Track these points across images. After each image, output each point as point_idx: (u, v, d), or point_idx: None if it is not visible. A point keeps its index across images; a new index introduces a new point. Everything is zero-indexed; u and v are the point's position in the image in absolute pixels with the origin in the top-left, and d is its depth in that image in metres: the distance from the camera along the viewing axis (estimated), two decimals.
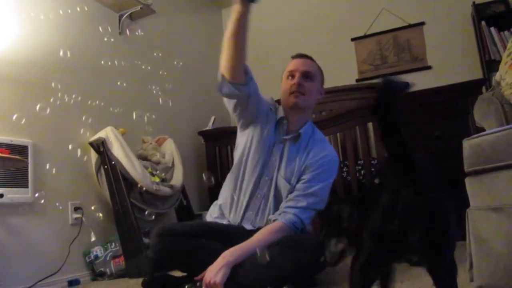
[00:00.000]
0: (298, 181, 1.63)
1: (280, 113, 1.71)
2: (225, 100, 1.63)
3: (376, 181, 0.89)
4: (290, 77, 1.67)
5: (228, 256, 1.44)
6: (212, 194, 3.41)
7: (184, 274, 1.66)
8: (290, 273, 1.41)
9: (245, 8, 1.37)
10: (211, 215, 1.78)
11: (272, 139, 1.67)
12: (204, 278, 1.43)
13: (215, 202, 1.81)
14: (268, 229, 1.54)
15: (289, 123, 1.70)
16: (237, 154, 1.74)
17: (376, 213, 0.89)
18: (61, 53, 2.14)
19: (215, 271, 1.41)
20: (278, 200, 1.65)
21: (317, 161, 1.63)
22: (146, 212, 2.35)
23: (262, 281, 1.40)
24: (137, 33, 2.90)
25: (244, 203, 1.67)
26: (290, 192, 1.63)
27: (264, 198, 1.66)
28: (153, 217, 2.37)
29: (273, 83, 2.05)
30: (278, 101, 1.79)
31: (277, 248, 1.44)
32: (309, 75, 1.66)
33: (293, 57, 1.73)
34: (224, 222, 1.71)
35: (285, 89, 1.68)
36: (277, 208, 1.64)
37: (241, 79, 1.52)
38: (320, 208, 1.61)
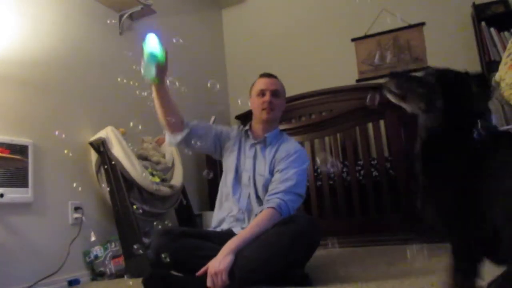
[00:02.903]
0: (273, 174, 1.79)
1: (246, 127, 1.95)
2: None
3: None
4: (261, 95, 1.86)
5: (229, 245, 1.53)
6: (212, 194, 3.42)
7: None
8: (286, 251, 1.49)
9: (157, 86, 1.69)
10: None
11: (241, 147, 1.91)
12: (208, 269, 1.48)
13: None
14: (259, 217, 1.64)
15: (258, 132, 1.91)
16: (223, 177, 1.93)
17: None
18: (61, 54, 2.14)
19: (219, 260, 1.48)
20: (259, 198, 1.79)
21: (288, 151, 1.81)
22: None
23: (261, 263, 1.48)
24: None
25: (232, 206, 1.81)
26: (267, 185, 1.77)
27: (249, 198, 1.80)
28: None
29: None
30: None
31: (272, 229, 1.55)
32: (277, 93, 1.87)
33: (261, 76, 1.93)
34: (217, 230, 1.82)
35: (257, 105, 1.88)
36: (261, 204, 1.76)
37: (178, 129, 1.83)
38: (300, 192, 1.72)
